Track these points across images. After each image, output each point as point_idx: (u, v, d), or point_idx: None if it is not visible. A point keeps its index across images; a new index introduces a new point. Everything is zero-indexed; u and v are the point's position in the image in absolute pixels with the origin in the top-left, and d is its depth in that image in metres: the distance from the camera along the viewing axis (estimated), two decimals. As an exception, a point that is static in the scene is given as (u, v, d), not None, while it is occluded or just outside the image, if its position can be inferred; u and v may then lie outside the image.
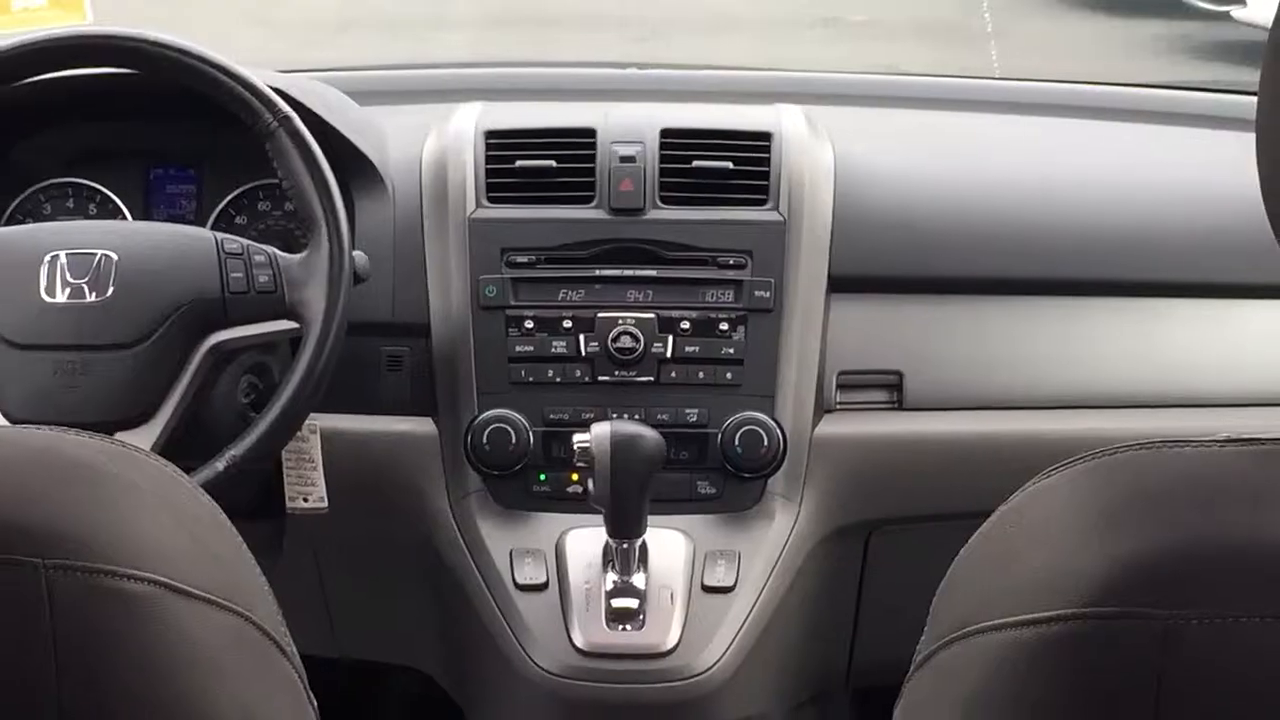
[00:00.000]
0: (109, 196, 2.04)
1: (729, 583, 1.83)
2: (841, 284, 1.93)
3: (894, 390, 1.93)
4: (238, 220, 2.04)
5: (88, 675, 0.86)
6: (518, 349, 1.89)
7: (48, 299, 1.74)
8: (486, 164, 1.95)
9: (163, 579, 0.89)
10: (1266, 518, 0.87)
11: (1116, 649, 0.84)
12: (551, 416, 1.88)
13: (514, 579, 1.83)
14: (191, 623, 0.91)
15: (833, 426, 1.92)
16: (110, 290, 1.74)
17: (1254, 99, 0.93)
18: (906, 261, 1.95)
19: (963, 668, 0.92)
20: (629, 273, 1.91)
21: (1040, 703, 0.87)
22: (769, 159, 1.94)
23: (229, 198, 2.04)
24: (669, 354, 1.88)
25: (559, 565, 1.83)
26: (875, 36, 6.51)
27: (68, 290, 1.74)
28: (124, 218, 2.03)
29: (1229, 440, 0.92)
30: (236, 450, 1.71)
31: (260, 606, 0.98)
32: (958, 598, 0.96)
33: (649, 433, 1.71)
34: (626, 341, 1.88)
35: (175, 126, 2.02)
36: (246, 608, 0.96)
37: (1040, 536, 0.92)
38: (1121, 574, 0.86)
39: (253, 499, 1.90)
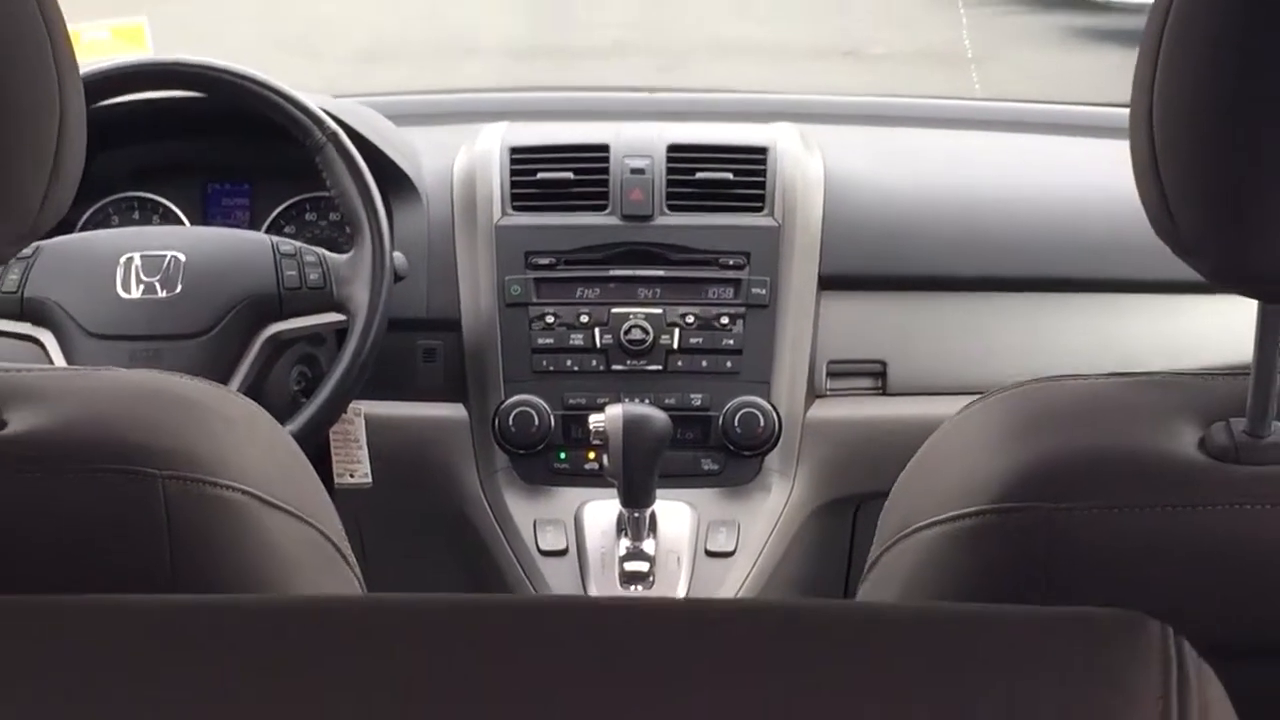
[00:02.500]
0: (170, 209, 2.25)
1: (730, 548, 2.01)
2: (830, 282, 2.12)
3: (878, 378, 2.12)
4: (286, 229, 2.24)
5: (194, 564, 1.08)
6: (540, 341, 2.09)
7: (123, 295, 1.95)
8: (511, 176, 2.15)
9: (254, 491, 1.10)
10: (1134, 430, 1.09)
11: (1013, 536, 1.05)
12: (570, 401, 2.08)
13: (537, 546, 2.02)
14: (274, 528, 1.12)
15: (823, 410, 2.10)
16: (179, 287, 1.95)
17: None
18: (889, 262, 2.14)
19: (901, 563, 1.13)
20: (639, 273, 2.10)
21: (958, 583, 1.08)
22: (765, 171, 2.13)
23: (279, 209, 2.25)
24: (675, 345, 2.08)
25: (577, 533, 2.01)
26: (894, 66, 6.68)
27: (141, 287, 1.95)
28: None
29: (1111, 375, 1.14)
30: (291, 428, 1.91)
31: (329, 524, 1.20)
32: (897, 509, 1.18)
33: (657, 414, 1.87)
34: (637, 334, 2.07)
35: (230, 145, 2.22)
36: (319, 522, 1.17)
37: (959, 453, 1.13)
38: (1018, 476, 1.07)
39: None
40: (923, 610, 0.90)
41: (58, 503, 1.06)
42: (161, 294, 1.95)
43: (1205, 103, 0.99)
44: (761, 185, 2.13)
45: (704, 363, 2.07)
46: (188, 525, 1.07)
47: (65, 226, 2.21)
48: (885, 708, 0.71)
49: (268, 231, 2.22)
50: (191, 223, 2.24)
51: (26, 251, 1.95)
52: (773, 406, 2.04)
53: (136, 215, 2.25)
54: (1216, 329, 2.06)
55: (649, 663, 0.77)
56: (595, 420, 1.88)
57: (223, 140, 2.22)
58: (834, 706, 0.72)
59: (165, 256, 1.97)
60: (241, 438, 1.16)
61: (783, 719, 0.69)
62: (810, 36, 7.39)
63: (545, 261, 2.11)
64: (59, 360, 1.92)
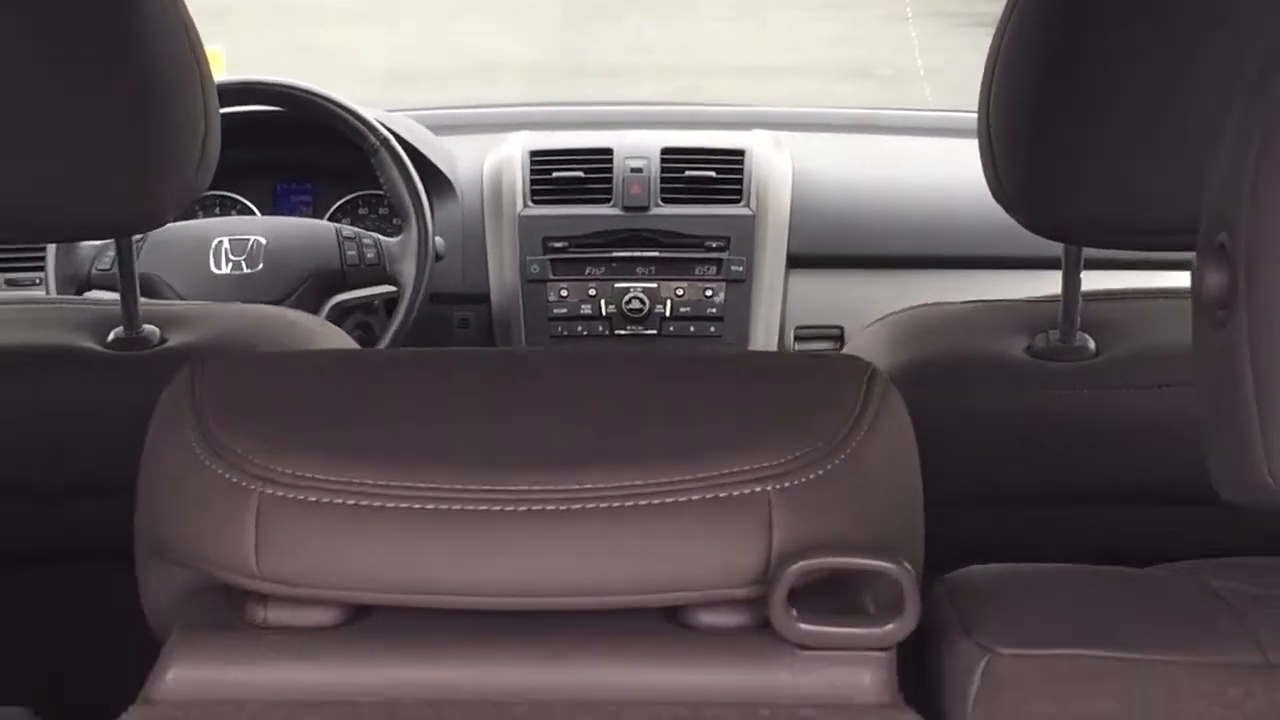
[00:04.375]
0: (246, 204, 2.69)
1: None
2: (797, 261, 2.54)
3: (837, 341, 2.54)
4: (344, 220, 2.68)
5: None
6: (555, 311, 2.51)
7: (215, 271, 2.39)
8: (531, 175, 2.58)
9: None
10: (980, 339, 1.53)
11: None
12: None
13: None
14: None
15: (791, 368, 2.53)
16: (260, 265, 2.39)
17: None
18: (846, 245, 2.56)
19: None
20: (638, 254, 2.52)
21: None
22: (743, 169, 2.56)
23: (337, 204, 2.69)
24: (668, 314, 2.50)
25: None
26: (902, 84, 7.01)
27: (230, 265, 2.39)
28: None
29: (971, 301, 1.58)
30: None
31: None
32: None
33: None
34: (636, 304, 2.50)
35: (296, 150, 2.67)
36: None
37: (862, 354, 1.57)
38: (899, 370, 1.51)
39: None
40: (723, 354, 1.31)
41: None
42: (246, 270, 2.39)
43: (1021, 96, 1.43)
44: (739, 181, 2.55)
45: (691, 328, 2.50)
46: None
47: None
48: (681, 385, 1.07)
49: (329, 221, 2.65)
50: (264, 215, 2.68)
51: (136, 237, 2.38)
52: (748, 364, 2.47)
53: (218, 210, 2.68)
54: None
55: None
56: None
57: (290, 146, 2.66)
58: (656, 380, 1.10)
59: (249, 240, 2.41)
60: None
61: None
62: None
63: (560, 245, 2.53)
64: None
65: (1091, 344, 1.52)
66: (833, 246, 2.56)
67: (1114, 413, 1.48)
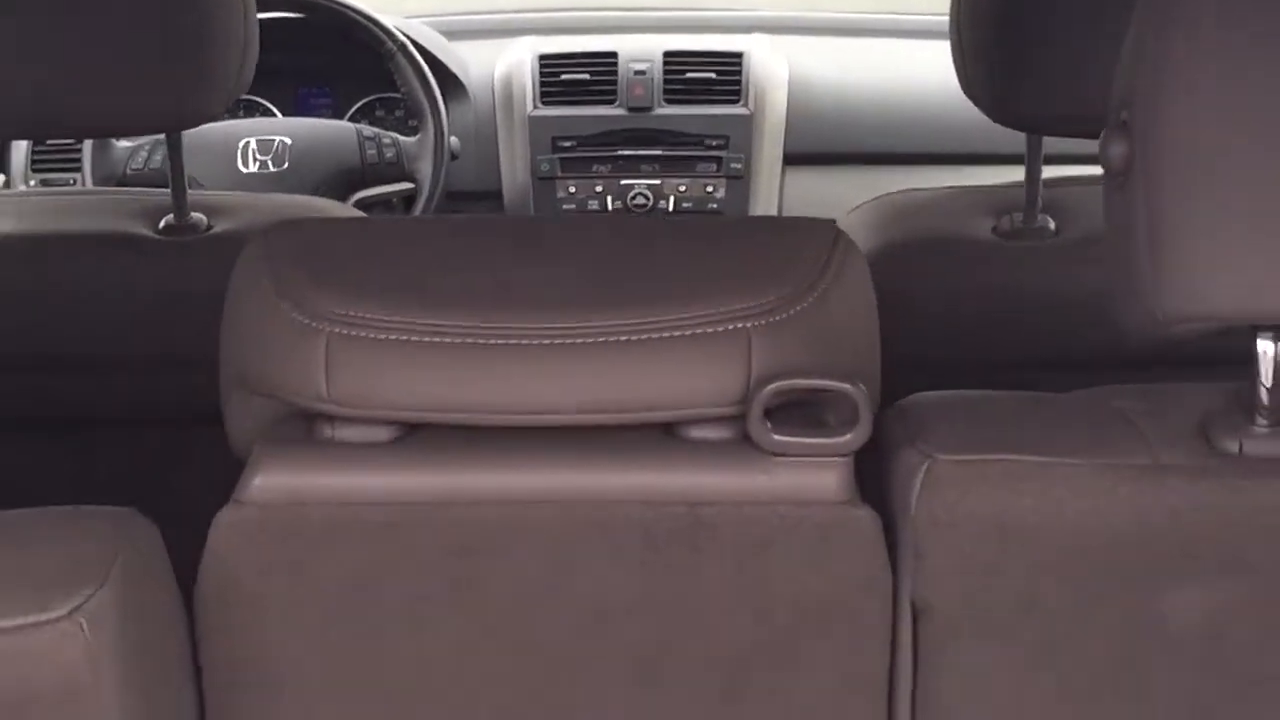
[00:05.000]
0: (269, 108, 2.83)
1: None
2: (792, 159, 2.67)
3: None
4: (362, 122, 2.82)
5: None
6: (564, 207, 2.64)
7: (243, 170, 2.54)
8: (540, 78, 2.71)
9: None
10: (951, 221, 1.68)
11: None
12: None
13: None
14: None
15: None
16: (285, 163, 2.54)
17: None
18: (839, 142, 2.69)
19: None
20: (642, 152, 2.65)
21: None
22: (741, 71, 2.68)
23: (355, 106, 2.83)
24: (670, 208, 2.63)
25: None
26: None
27: (257, 164, 2.54)
28: None
29: (944, 188, 1.74)
30: None
31: None
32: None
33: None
34: (640, 200, 2.64)
35: (316, 56, 2.80)
36: None
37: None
38: (877, 250, 1.66)
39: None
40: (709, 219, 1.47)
41: None
42: (272, 169, 2.53)
43: (987, 4, 1.58)
44: (738, 83, 2.68)
45: None
46: None
47: None
48: (674, 242, 1.26)
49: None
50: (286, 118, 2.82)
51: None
52: (746, 255, 2.62)
53: (242, 113, 2.83)
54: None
55: None
56: None
57: (310, 52, 2.79)
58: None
59: (275, 140, 2.55)
60: None
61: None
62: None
63: (568, 144, 2.66)
64: None
65: (1052, 224, 1.69)
66: (826, 144, 2.69)
67: (1070, 287, 1.64)
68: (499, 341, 1.13)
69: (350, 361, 1.13)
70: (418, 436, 1.17)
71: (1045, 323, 1.65)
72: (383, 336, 1.13)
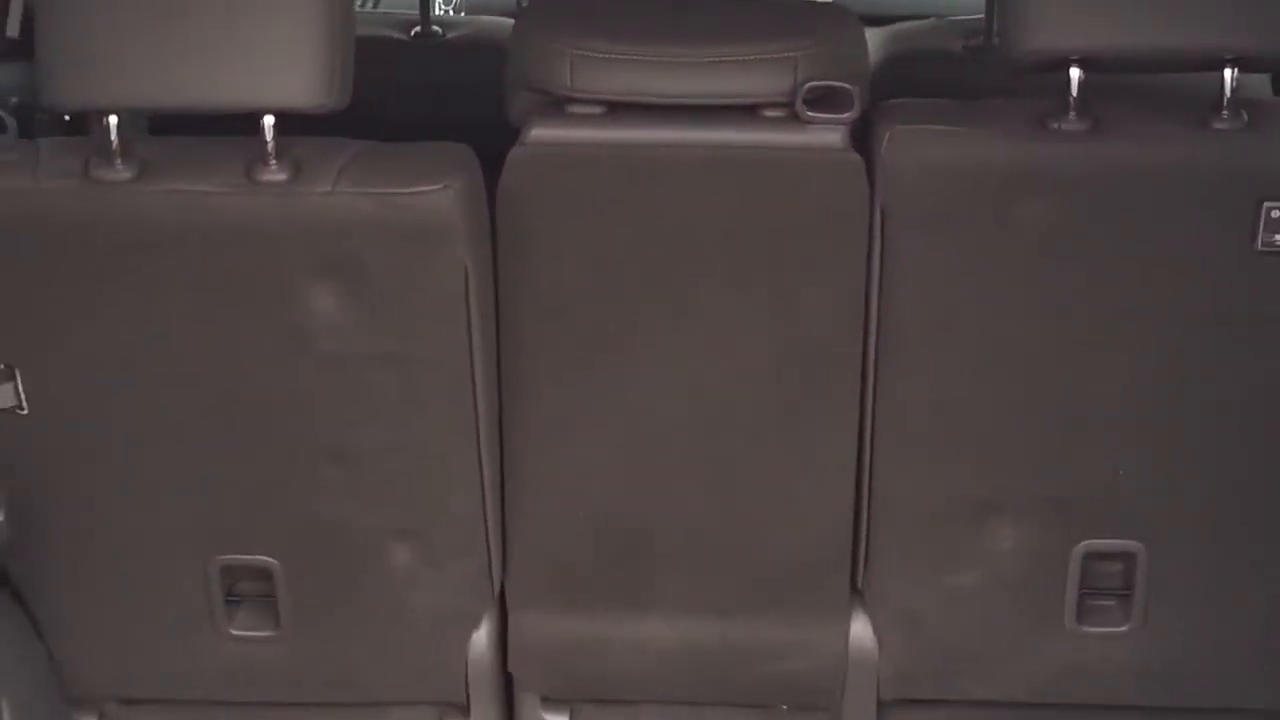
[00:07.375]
0: None
1: None
2: None
3: None
4: None
5: None
6: None
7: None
8: None
9: None
10: (932, 39, 2.64)
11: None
12: None
13: None
14: None
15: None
16: None
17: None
18: None
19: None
20: None
21: None
22: None
23: None
24: None
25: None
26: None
27: None
28: None
29: (928, 18, 2.68)
30: None
31: None
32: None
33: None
34: None
35: None
36: None
37: None
38: (883, 60, 2.63)
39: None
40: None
41: None
42: None
43: None
44: None
45: None
46: None
47: None
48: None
49: None
50: None
51: None
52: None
53: None
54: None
55: None
56: None
57: None
58: None
59: None
60: None
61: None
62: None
63: None
64: None
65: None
66: None
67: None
68: (668, 60, 2.09)
69: (587, 66, 2.08)
70: (617, 112, 2.10)
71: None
72: (599, 56, 2.08)
